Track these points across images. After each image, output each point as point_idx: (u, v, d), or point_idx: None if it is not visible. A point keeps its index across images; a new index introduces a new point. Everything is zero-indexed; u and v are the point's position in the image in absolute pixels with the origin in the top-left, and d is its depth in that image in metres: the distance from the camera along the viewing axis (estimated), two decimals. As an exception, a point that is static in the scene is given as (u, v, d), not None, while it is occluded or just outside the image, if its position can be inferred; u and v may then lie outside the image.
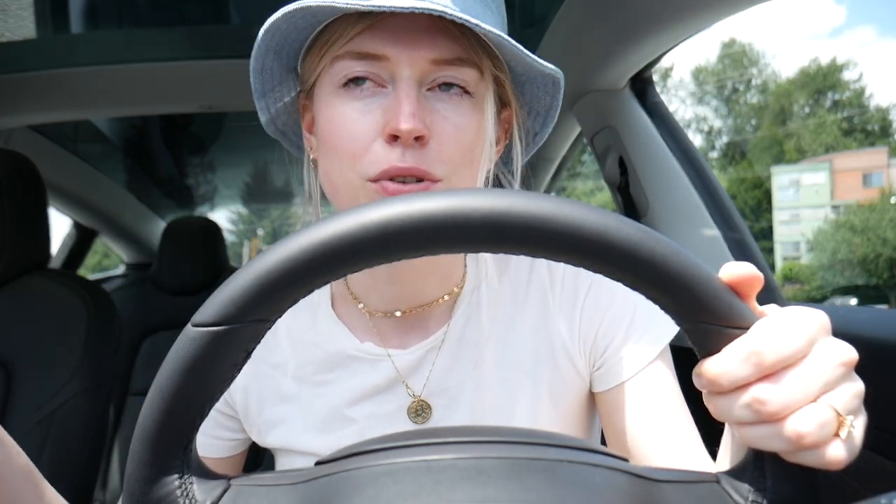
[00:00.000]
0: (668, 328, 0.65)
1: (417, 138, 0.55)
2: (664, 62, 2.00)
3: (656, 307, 0.37)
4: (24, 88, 1.54)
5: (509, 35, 0.57)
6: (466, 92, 0.58)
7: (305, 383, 0.69)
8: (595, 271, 0.36)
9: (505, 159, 0.77)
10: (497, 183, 0.71)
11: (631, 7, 1.09)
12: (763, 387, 0.35)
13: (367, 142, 0.56)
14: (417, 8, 0.51)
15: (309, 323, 0.71)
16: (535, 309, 0.68)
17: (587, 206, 0.35)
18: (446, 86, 0.58)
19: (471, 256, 0.71)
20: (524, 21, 1.44)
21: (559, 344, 0.67)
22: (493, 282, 0.69)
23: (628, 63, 1.26)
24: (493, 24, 0.58)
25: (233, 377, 0.38)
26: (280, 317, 0.37)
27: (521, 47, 0.56)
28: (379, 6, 0.51)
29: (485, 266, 0.70)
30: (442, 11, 0.51)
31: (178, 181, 2.99)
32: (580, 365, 0.67)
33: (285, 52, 0.62)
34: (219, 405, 0.71)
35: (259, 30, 0.58)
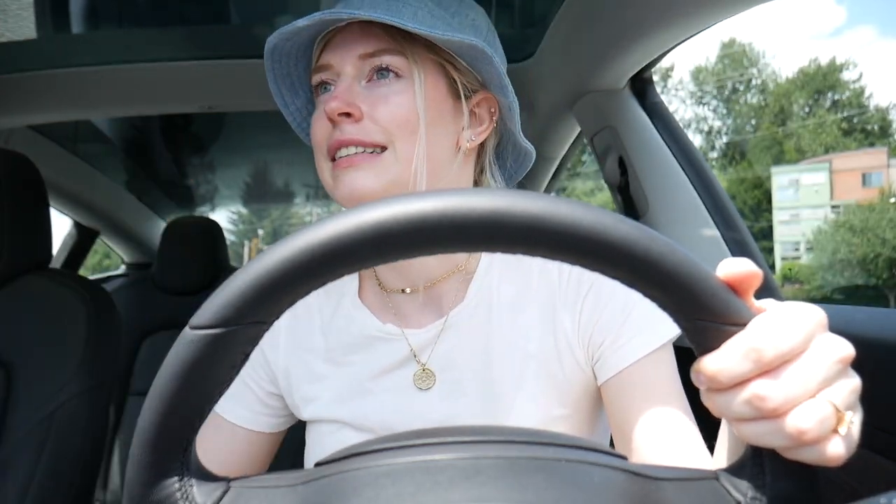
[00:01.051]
0: (668, 327, 0.66)
1: (348, 115, 0.67)
2: (664, 62, 2.00)
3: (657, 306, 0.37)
4: (24, 88, 1.54)
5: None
6: (399, 77, 0.68)
7: (335, 364, 0.77)
8: (592, 269, 0.36)
9: (501, 157, 0.78)
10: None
11: (631, 7, 1.09)
12: (762, 383, 0.35)
13: (324, 131, 0.70)
14: (317, 14, 0.64)
15: (339, 309, 0.79)
16: (542, 300, 0.72)
17: (583, 205, 0.35)
18: (380, 74, 0.69)
19: None
20: (524, 21, 1.44)
21: (562, 336, 0.70)
22: (505, 270, 0.74)
23: (628, 63, 1.26)
24: (414, 15, 0.67)
25: (231, 379, 0.38)
26: (278, 318, 0.37)
27: (414, 26, 0.64)
28: (305, 23, 0.65)
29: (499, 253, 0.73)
30: (333, 12, 0.64)
31: (178, 181, 2.99)
32: (581, 357, 0.70)
33: (298, 86, 0.77)
34: (267, 386, 0.80)
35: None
